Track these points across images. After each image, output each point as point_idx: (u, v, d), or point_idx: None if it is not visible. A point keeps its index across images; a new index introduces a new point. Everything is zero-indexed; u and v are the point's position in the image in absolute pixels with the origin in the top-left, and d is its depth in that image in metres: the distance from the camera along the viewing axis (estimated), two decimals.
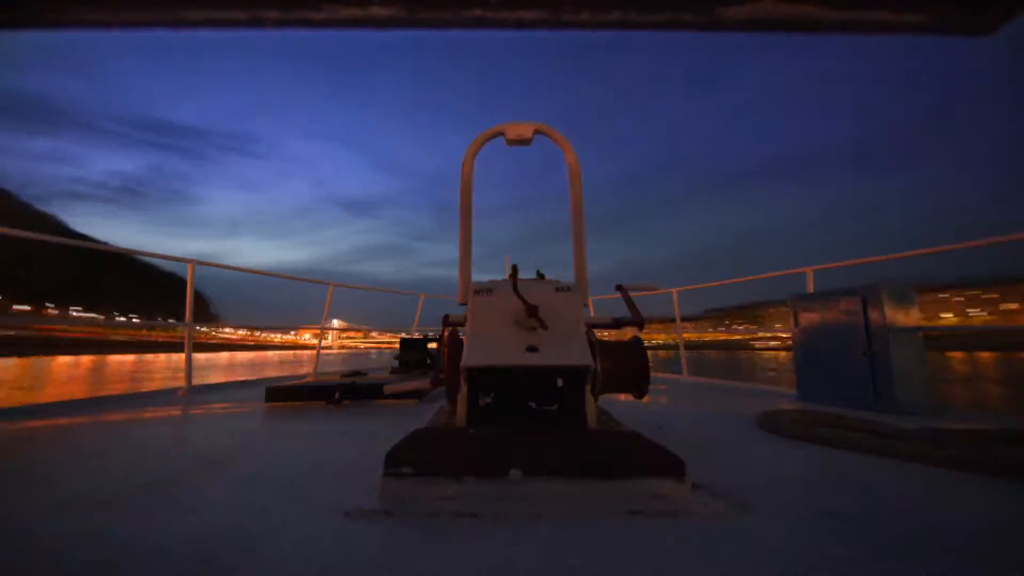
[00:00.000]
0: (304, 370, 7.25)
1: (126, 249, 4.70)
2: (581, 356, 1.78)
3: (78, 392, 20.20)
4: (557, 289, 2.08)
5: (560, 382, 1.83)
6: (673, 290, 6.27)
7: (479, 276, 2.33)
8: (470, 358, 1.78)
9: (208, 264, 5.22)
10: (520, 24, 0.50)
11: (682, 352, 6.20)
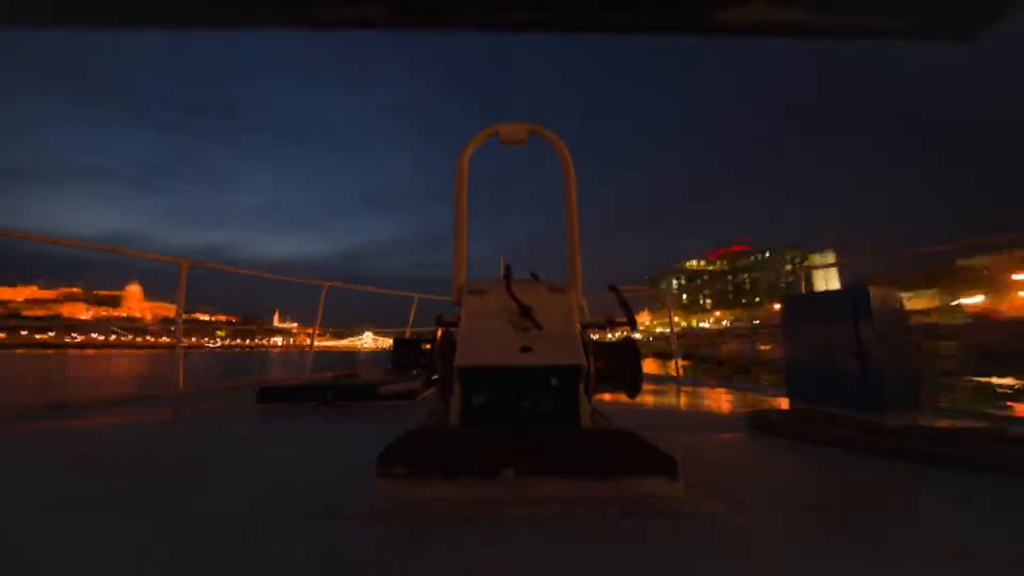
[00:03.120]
0: None
1: (118, 248, 4.65)
2: (574, 356, 1.79)
3: None
4: (551, 290, 2.09)
5: (554, 382, 1.83)
6: (668, 293, 6.31)
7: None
8: (463, 358, 1.78)
9: (201, 264, 5.17)
10: (514, 26, 0.51)
11: (676, 352, 6.23)
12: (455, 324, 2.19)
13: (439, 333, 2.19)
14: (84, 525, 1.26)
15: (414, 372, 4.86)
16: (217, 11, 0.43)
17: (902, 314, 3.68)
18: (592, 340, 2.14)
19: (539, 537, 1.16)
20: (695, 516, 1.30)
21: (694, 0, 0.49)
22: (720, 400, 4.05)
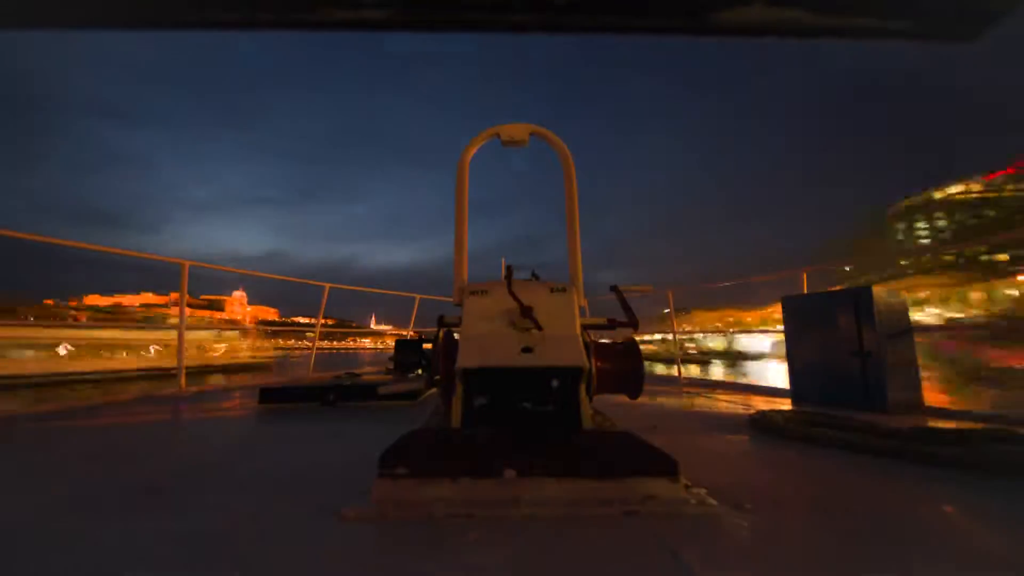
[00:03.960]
0: None
1: (120, 249, 4.67)
2: (576, 357, 1.78)
3: None
4: (552, 290, 2.09)
5: (555, 383, 1.83)
6: (668, 291, 6.30)
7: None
8: (465, 359, 1.78)
9: (201, 265, 5.19)
10: (515, 27, 0.51)
11: (677, 353, 6.22)
12: (456, 325, 2.19)
13: (440, 334, 2.19)
14: (84, 524, 1.27)
15: (416, 372, 4.87)
16: (218, 12, 0.44)
17: (904, 314, 3.67)
18: (594, 341, 2.13)
19: (540, 537, 1.16)
20: (696, 517, 1.29)
21: (694, 1, 0.49)
22: (723, 402, 4.04)
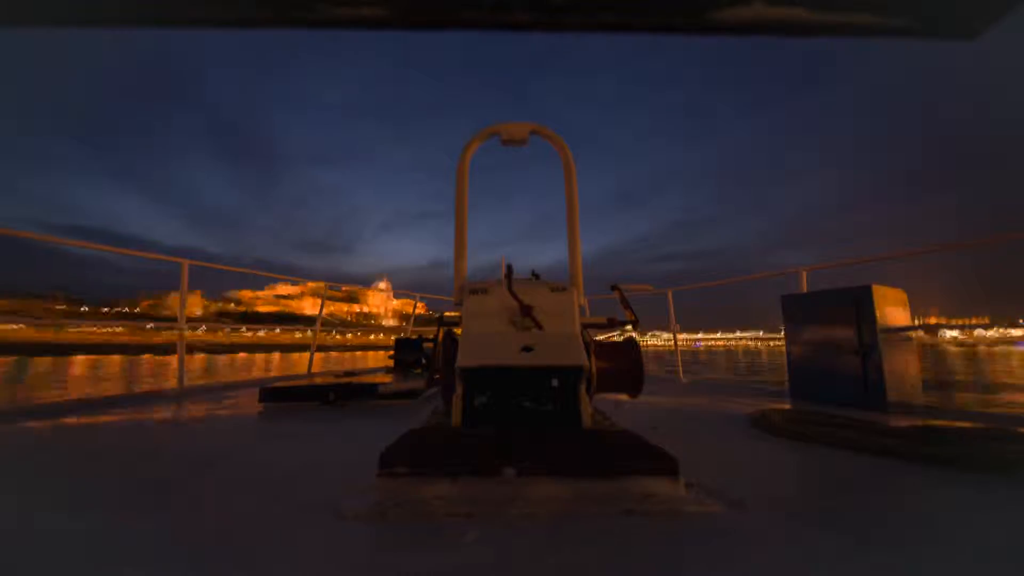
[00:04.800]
0: None
1: (122, 249, 4.68)
2: (576, 356, 1.79)
3: None
4: (552, 289, 2.09)
5: (555, 382, 1.83)
6: (668, 290, 6.30)
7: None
8: (465, 358, 1.78)
9: (202, 264, 5.19)
10: (513, 26, 0.51)
11: (677, 353, 6.22)
12: (457, 324, 2.19)
13: (440, 333, 2.19)
14: (84, 524, 1.27)
15: (416, 371, 4.87)
16: (215, 10, 0.44)
17: (905, 313, 3.67)
18: (594, 340, 2.14)
19: (540, 537, 1.17)
20: (696, 516, 1.30)
21: None
22: (722, 400, 4.04)
